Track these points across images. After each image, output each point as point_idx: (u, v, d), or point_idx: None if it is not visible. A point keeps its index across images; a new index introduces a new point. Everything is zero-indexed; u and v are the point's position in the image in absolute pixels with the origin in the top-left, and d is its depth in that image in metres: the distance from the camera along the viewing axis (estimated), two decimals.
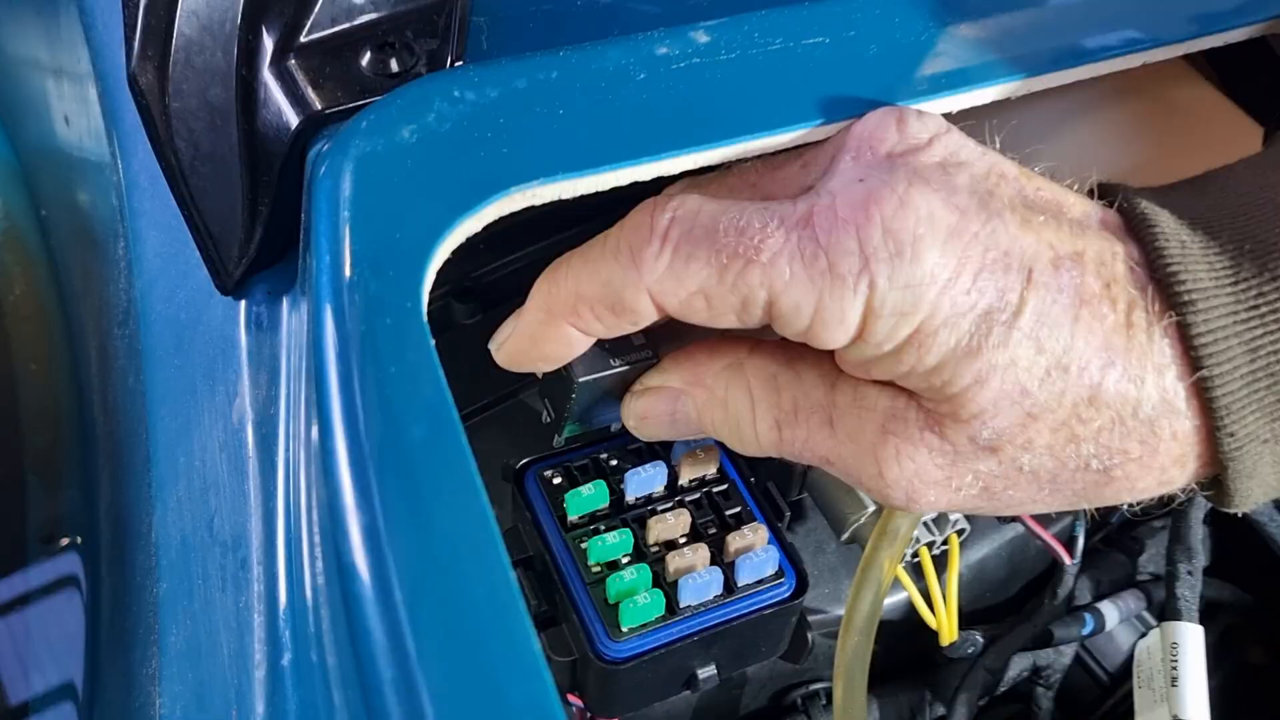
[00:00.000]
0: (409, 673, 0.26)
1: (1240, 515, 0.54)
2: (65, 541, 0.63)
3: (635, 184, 0.37)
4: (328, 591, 0.31)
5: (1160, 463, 0.33)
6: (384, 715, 0.26)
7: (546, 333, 0.35)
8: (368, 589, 0.27)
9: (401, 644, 0.26)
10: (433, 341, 0.31)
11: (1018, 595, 0.58)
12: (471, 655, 0.26)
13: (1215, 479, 0.34)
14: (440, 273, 0.35)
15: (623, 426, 0.41)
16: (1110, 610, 0.57)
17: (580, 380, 0.38)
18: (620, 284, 0.33)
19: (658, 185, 0.37)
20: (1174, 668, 0.46)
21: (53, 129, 0.70)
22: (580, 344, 0.36)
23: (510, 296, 0.53)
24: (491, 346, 0.38)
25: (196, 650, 0.39)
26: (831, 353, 0.34)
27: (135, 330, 0.49)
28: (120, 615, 0.50)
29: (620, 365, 0.39)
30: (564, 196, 0.35)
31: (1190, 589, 0.48)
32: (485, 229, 0.35)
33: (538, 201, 0.35)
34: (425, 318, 0.32)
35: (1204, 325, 0.31)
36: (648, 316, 0.34)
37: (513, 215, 0.35)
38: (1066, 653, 0.56)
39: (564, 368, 0.38)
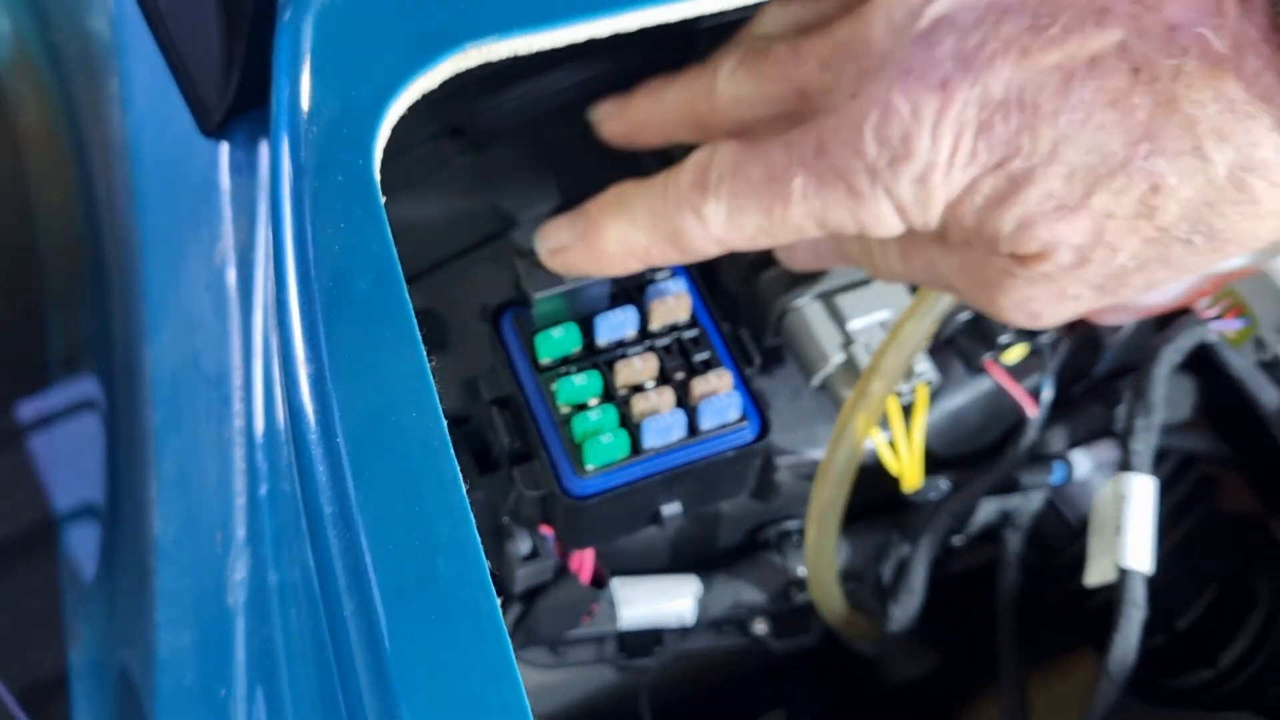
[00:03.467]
0: (347, 509, 0.28)
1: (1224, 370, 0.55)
2: (84, 365, 0.65)
3: (615, 36, 0.37)
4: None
5: (1272, 208, 0.31)
6: (325, 545, 0.28)
7: (616, 266, 0.40)
8: (313, 431, 0.29)
9: (342, 483, 0.28)
10: (382, 199, 0.32)
11: (993, 444, 0.60)
12: (404, 496, 0.28)
13: None
14: (429, 113, 0.36)
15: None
16: (1081, 459, 0.58)
17: (537, 296, 0.43)
18: (691, 237, 0.38)
19: (618, 41, 0.37)
20: (1122, 517, 0.48)
21: None
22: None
23: (503, 135, 0.54)
24: (545, 247, 0.42)
25: (186, 479, 0.42)
26: None
27: (128, 168, 0.50)
28: (127, 441, 0.52)
29: (573, 284, 0.43)
30: (519, 53, 0.36)
31: (1145, 443, 0.49)
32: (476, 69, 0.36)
33: (493, 58, 0.35)
34: (376, 174, 0.33)
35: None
36: (716, 254, 0.39)
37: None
38: (1034, 499, 0.58)
39: (520, 282, 0.43)
